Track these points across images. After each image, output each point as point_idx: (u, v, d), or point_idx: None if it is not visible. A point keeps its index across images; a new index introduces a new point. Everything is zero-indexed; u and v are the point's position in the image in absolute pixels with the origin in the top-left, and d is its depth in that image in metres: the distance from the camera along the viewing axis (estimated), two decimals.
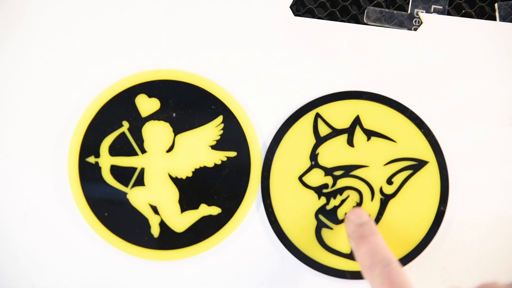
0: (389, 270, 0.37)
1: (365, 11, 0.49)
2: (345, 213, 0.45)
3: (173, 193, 0.45)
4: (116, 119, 0.46)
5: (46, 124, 0.46)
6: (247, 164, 0.46)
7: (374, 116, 0.46)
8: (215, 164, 0.46)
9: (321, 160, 0.46)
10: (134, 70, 0.46)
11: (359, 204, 0.46)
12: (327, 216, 0.46)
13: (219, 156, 0.46)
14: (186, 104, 0.46)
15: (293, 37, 0.47)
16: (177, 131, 0.46)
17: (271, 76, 0.46)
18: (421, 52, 0.47)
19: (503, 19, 0.48)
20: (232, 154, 0.46)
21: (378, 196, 0.46)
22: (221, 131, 0.46)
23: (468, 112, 0.47)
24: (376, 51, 0.47)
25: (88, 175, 0.45)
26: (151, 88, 0.46)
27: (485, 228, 0.47)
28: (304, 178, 0.46)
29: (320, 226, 0.46)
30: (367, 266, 0.38)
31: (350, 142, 0.46)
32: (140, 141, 0.46)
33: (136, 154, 0.45)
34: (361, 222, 0.43)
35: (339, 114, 0.46)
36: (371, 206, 0.46)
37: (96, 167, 0.45)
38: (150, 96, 0.46)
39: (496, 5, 0.48)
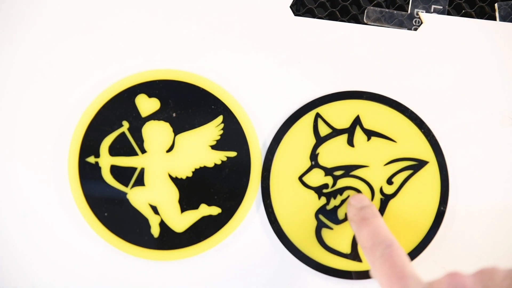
0: (390, 252, 0.36)
1: (365, 11, 0.49)
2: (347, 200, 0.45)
3: (173, 193, 0.45)
4: (116, 119, 0.46)
5: (46, 124, 0.46)
6: (247, 164, 0.46)
7: (374, 116, 0.46)
8: (215, 164, 0.46)
9: (321, 160, 0.46)
10: (134, 70, 0.46)
11: None
12: (327, 216, 0.46)
13: (219, 156, 0.46)
14: (186, 104, 0.46)
15: (293, 37, 0.47)
16: (177, 131, 0.46)
17: (271, 76, 0.46)
18: (421, 52, 0.47)
19: (503, 19, 0.48)
20: (232, 154, 0.46)
21: (378, 196, 0.46)
22: (221, 131, 0.46)
23: (468, 112, 0.47)
24: (376, 51, 0.47)
25: (88, 175, 0.45)
26: (151, 88, 0.46)
27: (485, 228, 0.47)
28: (304, 178, 0.46)
29: (320, 226, 0.46)
30: (368, 247, 0.38)
31: (350, 142, 0.46)
32: (140, 141, 0.46)
33: (136, 154, 0.45)
34: (362, 205, 0.42)
35: (339, 114, 0.46)
36: None
37: (96, 167, 0.45)
38: (150, 96, 0.46)
39: (496, 5, 0.48)
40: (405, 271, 0.35)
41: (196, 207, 0.45)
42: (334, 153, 0.46)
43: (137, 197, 0.45)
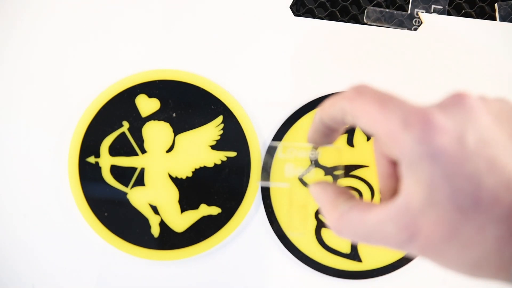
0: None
1: (365, 11, 0.49)
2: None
3: (173, 193, 0.45)
4: (116, 119, 0.46)
5: (46, 124, 0.46)
6: (247, 164, 0.46)
7: None
8: (215, 164, 0.46)
9: (321, 160, 0.46)
10: (134, 70, 0.46)
11: None
12: None
13: (219, 156, 0.46)
14: (186, 104, 0.46)
15: (293, 37, 0.47)
16: (177, 131, 0.46)
17: (271, 76, 0.46)
18: (421, 52, 0.47)
19: (503, 19, 0.48)
20: (232, 154, 0.46)
21: (378, 196, 0.46)
22: (221, 131, 0.46)
23: None
24: (376, 51, 0.47)
25: (88, 175, 0.45)
26: (151, 88, 0.46)
27: None
28: (304, 178, 0.46)
29: (320, 226, 0.46)
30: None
31: (350, 142, 0.46)
32: (140, 141, 0.46)
33: (136, 154, 0.45)
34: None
35: None
36: None
37: (96, 167, 0.45)
38: (150, 96, 0.46)
39: (496, 5, 0.48)
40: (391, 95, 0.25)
41: (196, 207, 0.45)
42: (334, 153, 0.46)
43: (137, 197, 0.45)
